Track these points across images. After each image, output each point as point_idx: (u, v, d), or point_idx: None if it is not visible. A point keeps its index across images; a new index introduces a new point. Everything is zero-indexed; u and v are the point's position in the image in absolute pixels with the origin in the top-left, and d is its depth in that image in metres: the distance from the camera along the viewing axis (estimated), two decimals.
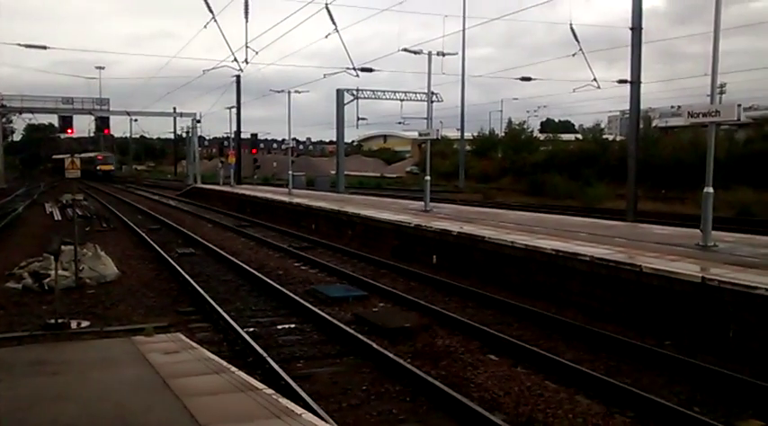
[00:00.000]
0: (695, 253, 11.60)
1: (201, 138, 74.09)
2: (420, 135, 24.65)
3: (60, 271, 11.59)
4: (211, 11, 24.92)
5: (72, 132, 51.81)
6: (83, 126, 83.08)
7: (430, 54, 22.10)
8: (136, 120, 79.02)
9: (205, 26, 26.94)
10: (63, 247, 12.44)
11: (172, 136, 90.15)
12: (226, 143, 53.88)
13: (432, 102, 24.48)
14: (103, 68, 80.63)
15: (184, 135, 66.91)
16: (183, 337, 8.58)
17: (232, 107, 50.38)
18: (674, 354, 8.52)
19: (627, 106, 23.35)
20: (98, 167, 78.49)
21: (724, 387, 7.44)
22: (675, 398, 7.19)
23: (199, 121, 56.95)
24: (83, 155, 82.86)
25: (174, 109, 61.84)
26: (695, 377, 7.79)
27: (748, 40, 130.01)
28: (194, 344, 8.13)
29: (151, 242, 19.79)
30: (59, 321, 9.74)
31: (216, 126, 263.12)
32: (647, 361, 8.43)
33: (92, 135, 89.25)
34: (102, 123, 51.18)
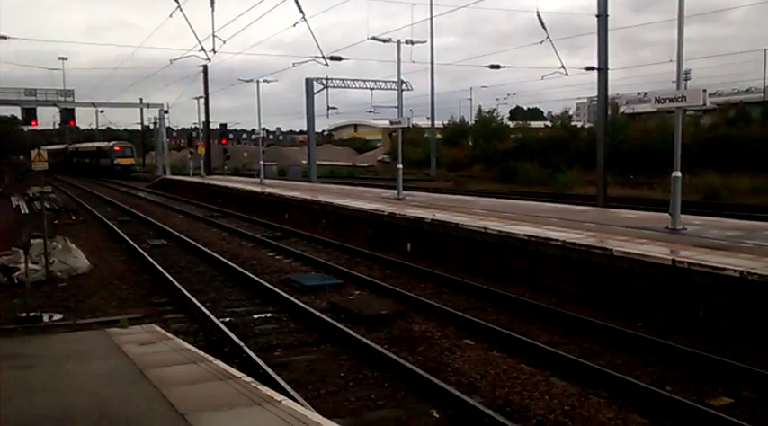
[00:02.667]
0: (664, 237, 11.81)
1: (170, 129, 72.38)
2: (391, 123, 24.61)
3: (30, 265, 11.39)
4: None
5: (36, 124, 50.66)
6: (47, 118, 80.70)
7: (399, 42, 22.07)
8: (102, 112, 77.16)
9: (171, 15, 26.50)
10: (32, 240, 12.25)
11: (139, 127, 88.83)
12: (194, 133, 53.23)
13: (402, 90, 24.44)
14: (66, 59, 78.61)
15: (152, 126, 65.66)
16: (159, 328, 8.55)
17: (200, 97, 49.78)
18: (645, 335, 8.69)
19: (594, 93, 23.46)
20: (116, 161, 66.28)
21: (695, 366, 7.62)
22: (648, 378, 7.35)
23: (166, 112, 56.12)
24: (91, 144, 78.73)
25: (141, 100, 60.84)
26: (667, 358, 7.95)
27: (705, 28, 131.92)
28: (170, 335, 8.09)
29: (122, 234, 19.55)
30: (31, 314, 9.61)
31: (184, 116, 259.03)
32: (620, 343, 8.58)
33: (56, 127, 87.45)
34: (68, 115, 50.08)
